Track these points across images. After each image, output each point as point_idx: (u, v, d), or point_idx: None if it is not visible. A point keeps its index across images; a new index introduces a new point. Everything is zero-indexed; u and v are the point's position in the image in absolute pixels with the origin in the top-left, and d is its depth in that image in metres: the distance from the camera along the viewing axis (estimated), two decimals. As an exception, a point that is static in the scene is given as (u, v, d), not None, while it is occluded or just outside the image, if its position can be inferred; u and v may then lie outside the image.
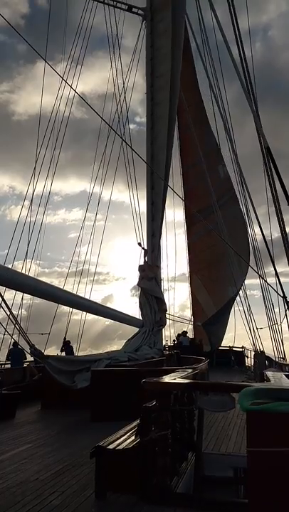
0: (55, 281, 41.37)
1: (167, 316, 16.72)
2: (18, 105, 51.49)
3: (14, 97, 50.42)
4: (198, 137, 21.49)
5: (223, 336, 26.12)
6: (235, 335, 25.23)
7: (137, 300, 15.67)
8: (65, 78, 10.58)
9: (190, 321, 26.82)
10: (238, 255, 17.01)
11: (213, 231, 19.81)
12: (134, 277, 15.76)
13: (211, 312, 25.43)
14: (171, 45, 14.83)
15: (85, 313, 15.48)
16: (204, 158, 20.84)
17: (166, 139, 15.19)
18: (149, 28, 16.42)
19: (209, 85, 17.78)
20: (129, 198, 16.34)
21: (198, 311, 26.81)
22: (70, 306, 13.95)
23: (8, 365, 13.97)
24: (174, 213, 25.80)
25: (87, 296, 15.59)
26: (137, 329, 15.04)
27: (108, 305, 16.35)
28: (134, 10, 17.33)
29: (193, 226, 25.74)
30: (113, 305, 19.35)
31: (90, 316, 16.59)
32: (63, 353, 16.18)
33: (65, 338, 16.44)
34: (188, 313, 27.69)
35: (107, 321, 21.17)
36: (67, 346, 16.35)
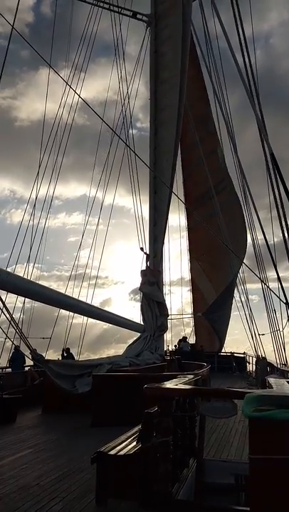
0: (54, 285, 41.49)
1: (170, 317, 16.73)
2: (20, 111, 51.85)
3: (16, 103, 50.79)
4: (196, 120, 21.60)
5: (226, 328, 25.82)
6: (236, 340, 25.24)
7: (135, 304, 15.79)
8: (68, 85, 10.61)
9: (191, 314, 26.76)
10: (233, 253, 16.99)
11: (213, 217, 19.97)
12: (133, 281, 15.94)
13: (212, 298, 25.32)
14: (181, 51, 14.86)
15: (85, 317, 15.50)
16: (201, 141, 20.92)
17: (173, 145, 15.20)
18: (154, 34, 16.52)
19: (213, 91, 17.86)
20: (132, 202, 16.46)
21: (198, 298, 26.69)
22: (72, 312, 13.99)
23: (9, 369, 13.96)
24: (179, 218, 26.07)
25: (88, 301, 15.63)
26: (135, 334, 15.03)
27: (107, 309, 16.37)
28: (138, 16, 17.47)
29: (194, 211, 25.80)
30: (112, 309, 19.34)
31: (88, 320, 16.63)
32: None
33: (67, 349, 16.41)
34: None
35: (105, 325, 21.19)
36: (67, 354, 16.32)
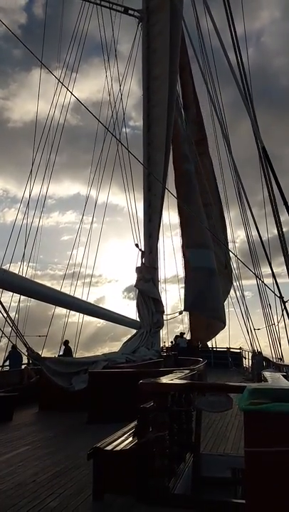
0: (48, 284, 41.29)
1: (164, 317, 16.72)
2: (12, 112, 51.77)
3: (9, 103, 50.66)
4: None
5: (222, 304, 25.10)
6: (232, 335, 24.96)
7: (129, 302, 15.86)
8: (60, 85, 10.59)
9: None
10: (220, 241, 17.03)
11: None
12: (127, 279, 15.96)
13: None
14: (169, 47, 14.84)
15: (81, 315, 15.49)
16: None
17: (165, 141, 15.19)
18: (146, 30, 16.44)
19: (206, 89, 17.81)
20: (125, 200, 16.43)
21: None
22: (69, 309, 13.97)
23: (6, 368, 13.94)
24: (169, 214, 26.01)
25: (83, 299, 15.60)
26: (129, 331, 15.05)
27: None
28: (130, 12, 17.37)
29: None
30: (105, 307, 19.32)
31: (83, 318, 16.62)
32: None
33: (66, 342, 16.34)
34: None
35: (99, 323, 21.12)
36: (66, 347, 16.27)
